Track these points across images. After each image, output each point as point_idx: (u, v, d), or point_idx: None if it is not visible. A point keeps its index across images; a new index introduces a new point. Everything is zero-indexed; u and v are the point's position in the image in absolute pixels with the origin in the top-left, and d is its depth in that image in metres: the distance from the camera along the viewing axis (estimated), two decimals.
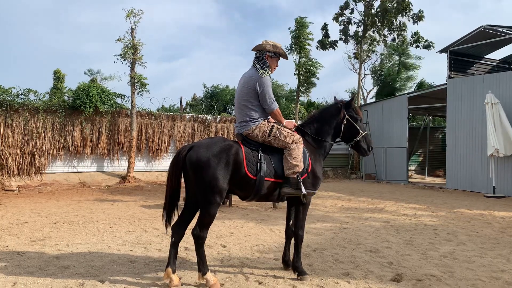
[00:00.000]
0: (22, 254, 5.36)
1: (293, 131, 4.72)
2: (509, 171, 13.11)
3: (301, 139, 4.60)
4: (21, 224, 7.41)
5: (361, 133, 4.96)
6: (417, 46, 22.00)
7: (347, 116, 4.93)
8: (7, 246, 5.78)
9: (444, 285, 4.44)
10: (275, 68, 4.83)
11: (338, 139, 5.06)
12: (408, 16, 20.43)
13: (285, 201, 4.82)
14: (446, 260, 5.46)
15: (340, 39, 22.14)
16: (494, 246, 6.32)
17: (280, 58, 4.86)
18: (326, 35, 22.22)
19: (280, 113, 4.71)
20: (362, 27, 21.36)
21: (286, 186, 4.43)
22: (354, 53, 22.54)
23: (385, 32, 21.39)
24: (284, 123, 4.76)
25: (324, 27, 22.24)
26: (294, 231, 4.71)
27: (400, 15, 20.36)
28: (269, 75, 4.71)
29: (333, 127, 4.95)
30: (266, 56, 4.70)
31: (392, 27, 20.88)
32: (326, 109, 5.08)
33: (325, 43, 22.10)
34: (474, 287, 4.40)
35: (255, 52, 4.79)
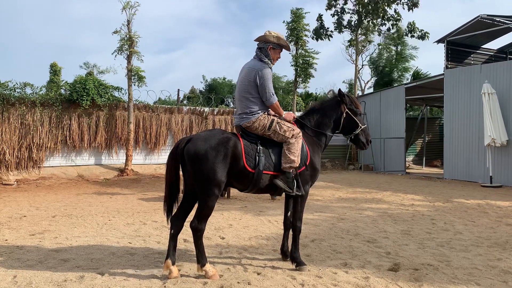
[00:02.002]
0: (21, 248, 5.38)
1: (292, 123, 4.72)
2: (506, 161, 13.16)
3: (301, 134, 4.59)
4: (20, 218, 7.42)
5: (360, 127, 4.98)
6: (412, 36, 21.92)
7: (346, 109, 4.94)
8: (6, 240, 5.80)
9: (441, 274, 4.48)
10: (277, 60, 4.80)
11: (336, 132, 5.08)
12: (403, 4, 20.29)
13: (283, 193, 4.84)
14: (443, 249, 5.51)
15: (335, 29, 22.03)
16: (491, 235, 6.37)
17: (283, 49, 4.83)
18: (322, 26, 22.10)
19: (279, 106, 4.68)
20: (356, 16, 21.26)
21: (281, 179, 4.42)
22: (348, 41, 22.40)
23: (379, 21, 21.22)
24: (283, 115, 4.74)
25: (319, 18, 22.10)
26: (292, 222, 4.73)
27: (394, 3, 20.23)
28: (270, 67, 4.68)
29: (332, 120, 4.95)
30: (268, 48, 4.67)
31: (386, 16, 20.75)
32: (326, 102, 5.08)
33: (320, 34, 21.97)
34: (471, 276, 4.44)
35: (258, 42, 4.76)
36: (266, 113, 4.64)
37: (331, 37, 22.10)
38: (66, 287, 3.98)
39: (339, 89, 5.11)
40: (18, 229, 6.51)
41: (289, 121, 4.72)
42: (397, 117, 18.10)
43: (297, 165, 4.43)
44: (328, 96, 5.39)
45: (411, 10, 20.29)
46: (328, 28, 22.04)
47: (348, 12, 21.47)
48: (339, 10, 21.53)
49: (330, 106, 4.99)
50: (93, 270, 4.48)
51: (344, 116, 4.94)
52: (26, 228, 6.62)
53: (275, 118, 4.59)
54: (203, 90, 31.77)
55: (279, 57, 4.83)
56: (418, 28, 21.41)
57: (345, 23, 21.79)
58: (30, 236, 6.05)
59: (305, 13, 18.87)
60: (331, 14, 21.71)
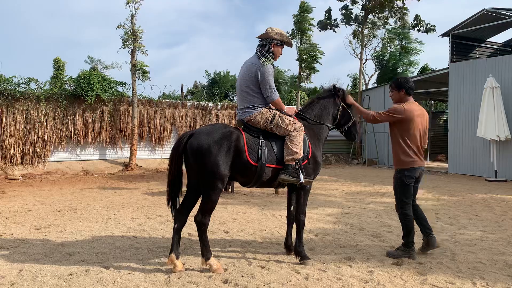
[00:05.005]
0: (27, 242, 5.41)
1: (293, 117, 4.75)
2: (510, 155, 13.09)
3: (302, 127, 4.64)
4: (25, 212, 7.47)
5: (353, 119, 5.16)
6: (418, 30, 21.75)
7: (342, 103, 5.09)
8: (12, 234, 5.84)
9: (446, 268, 4.48)
10: (279, 55, 4.86)
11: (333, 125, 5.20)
12: None
13: (286, 187, 4.86)
14: (447, 243, 5.50)
15: (342, 21, 21.90)
16: (496, 229, 6.36)
17: (285, 46, 4.89)
18: (329, 17, 21.98)
19: (280, 102, 4.73)
20: (363, 11, 21.11)
21: (284, 173, 4.45)
22: (353, 32, 22.27)
23: (386, 14, 21.00)
24: (285, 110, 4.78)
25: (328, 12, 21.99)
26: (296, 216, 4.75)
27: None
28: (272, 63, 4.72)
29: (330, 113, 5.06)
30: (272, 44, 4.71)
31: (393, 9, 20.54)
32: (324, 96, 5.16)
33: (326, 24, 21.82)
34: (475, 270, 4.44)
35: (260, 40, 4.78)
36: (268, 107, 4.68)
37: (337, 27, 21.95)
38: (72, 280, 4.01)
39: (334, 84, 5.24)
40: (24, 223, 6.55)
41: (290, 115, 4.76)
42: None
43: (300, 157, 4.48)
44: (322, 91, 5.51)
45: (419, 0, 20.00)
46: (335, 19, 21.93)
47: (356, 2, 21.23)
48: (349, 4, 21.35)
49: (328, 100, 5.10)
50: (98, 264, 4.51)
51: (341, 109, 5.08)
52: (31, 222, 6.66)
53: (277, 112, 4.63)
54: (206, 85, 31.78)
55: (281, 53, 4.89)
56: (424, 21, 21.21)
57: (352, 15, 21.64)
58: (36, 230, 6.08)
59: (312, 8, 18.78)
60: (339, 9, 21.62)
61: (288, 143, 4.48)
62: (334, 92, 5.09)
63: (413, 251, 4.83)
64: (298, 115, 4.96)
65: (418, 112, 4.92)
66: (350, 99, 5.16)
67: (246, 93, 4.62)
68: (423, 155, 5.04)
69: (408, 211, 4.92)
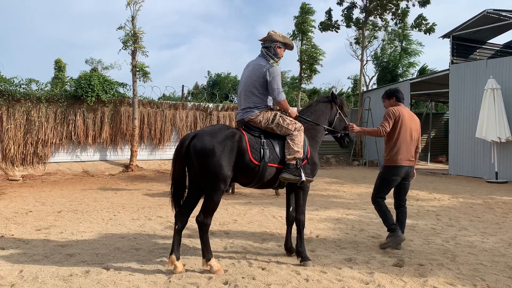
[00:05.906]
0: (27, 243, 5.41)
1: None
2: (511, 157, 13.08)
3: (302, 127, 4.71)
4: (26, 213, 7.47)
5: (348, 127, 5.36)
6: (419, 30, 21.70)
7: (339, 110, 5.27)
8: (12, 235, 5.84)
9: (446, 270, 4.48)
10: (281, 58, 4.94)
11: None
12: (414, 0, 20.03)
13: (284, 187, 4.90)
14: (448, 245, 5.50)
15: (343, 22, 21.90)
16: (496, 231, 6.35)
17: (286, 49, 5.00)
18: (330, 19, 21.99)
19: (286, 103, 4.81)
20: (364, 13, 21.09)
21: (286, 172, 4.49)
22: (355, 38, 22.25)
23: (387, 17, 20.95)
24: (289, 111, 4.86)
25: (329, 13, 21.99)
26: (295, 217, 4.76)
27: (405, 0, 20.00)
28: (278, 65, 4.79)
29: (327, 118, 5.20)
30: (275, 46, 4.80)
31: (397, 11, 20.42)
32: (322, 101, 5.27)
33: (328, 25, 21.80)
34: (476, 272, 4.43)
35: (263, 42, 4.85)
36: (268, 108, 4.75)
37: (338, 29, 21.91)
38: (72, 281, 4.01)
39: (332, 92, 5.44)
40: (24, 224, 6.55)
41: (292, 117, 4.84)
42: None
43: (301, 156, 4.54)
44: (321, 96, 5.88)
45: (423, 7, 20.00)
46: (336, 21, 21.92)
47: (357, 6, 21.22)
48: (349, 5, 21.29)
49: (326, 105, 5.23)
50: (98, 265, 4.51)
51: (337, 116, 5.24)
52: (32, 223, 6.66)
53: (278, 112, 4.72)
54: (206, 86, 31.81)
55: (283, 56, 4.99)
56: (426, 20, 21.08)
57: (354, 17, 21.60)
58: (36, 231, 6.08)
59: (313, 9, 18.79)
60: (341, 10, 21.60)
61: (290, 142, 4.53)
62: (332, 99, 5.24)
63: (398, 232, 5.15)
64: (297, 118, 5.01)
65: (407, 115, 5.37)
66: (357, 128, 5.36)
67: (251, 93, 4.66)
68: (413, 156, 5.40)
69: (380, 200, 5.47)
